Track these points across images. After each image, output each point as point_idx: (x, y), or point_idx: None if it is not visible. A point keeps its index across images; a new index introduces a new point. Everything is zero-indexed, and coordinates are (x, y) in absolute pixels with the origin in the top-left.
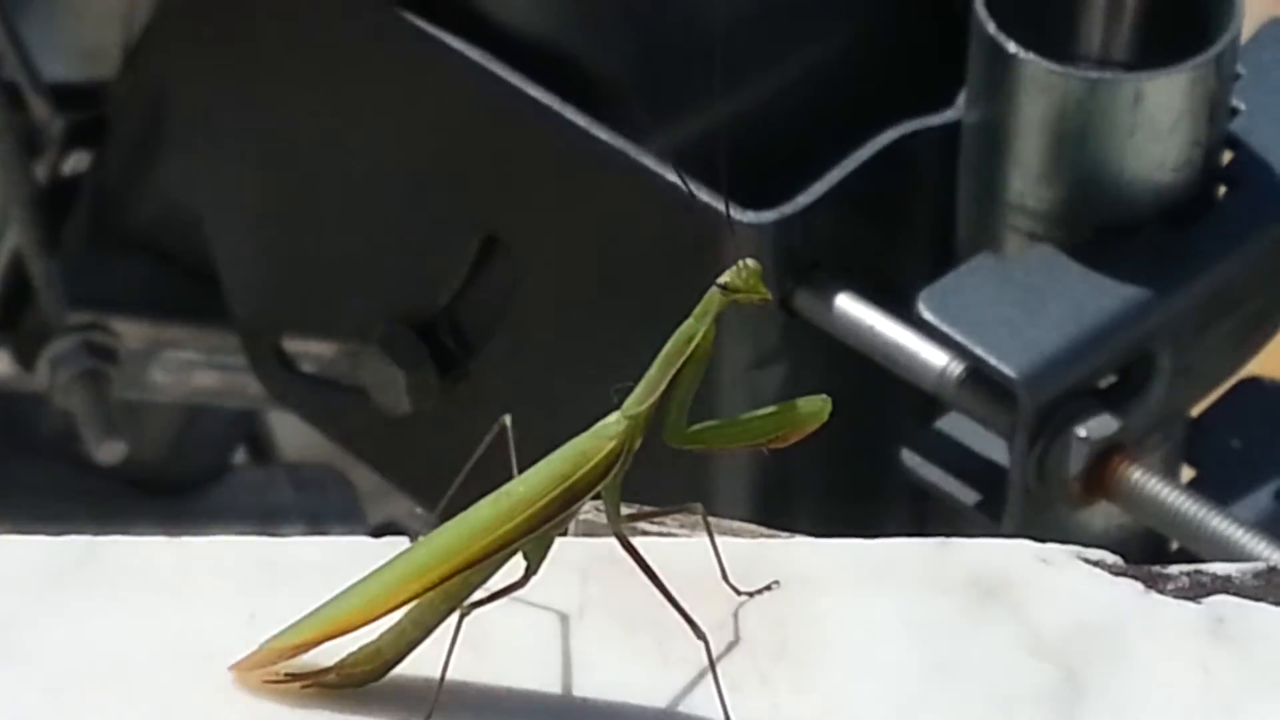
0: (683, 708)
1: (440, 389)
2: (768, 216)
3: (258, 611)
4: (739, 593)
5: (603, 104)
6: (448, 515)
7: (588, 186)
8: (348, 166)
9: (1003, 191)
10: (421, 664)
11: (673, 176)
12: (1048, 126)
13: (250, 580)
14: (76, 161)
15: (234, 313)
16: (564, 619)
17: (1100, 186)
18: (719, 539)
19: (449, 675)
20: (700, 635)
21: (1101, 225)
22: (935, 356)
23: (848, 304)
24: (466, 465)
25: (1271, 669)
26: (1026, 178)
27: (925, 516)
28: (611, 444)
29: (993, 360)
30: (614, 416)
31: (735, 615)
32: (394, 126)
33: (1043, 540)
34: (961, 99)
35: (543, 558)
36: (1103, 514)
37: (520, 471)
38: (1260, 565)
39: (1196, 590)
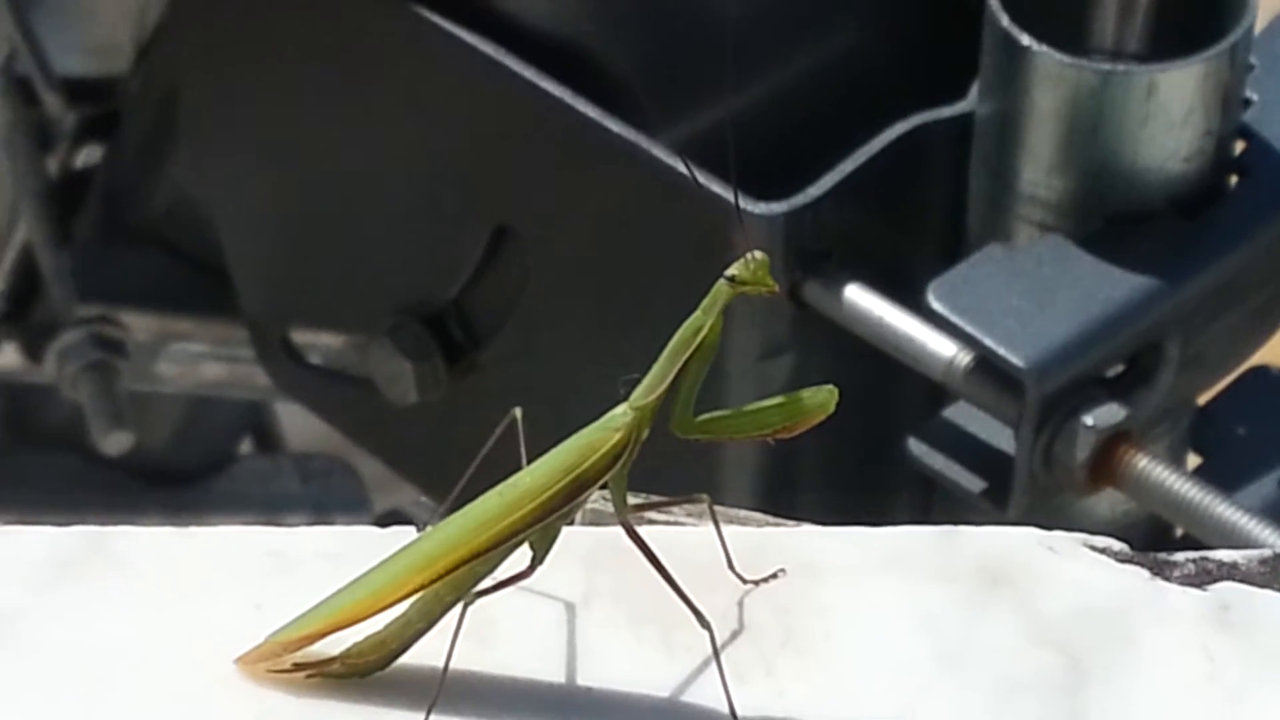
0: (688, 697)
1: (448, 381)
2: (778, 208)
3: (264, 602)
4: (745, 581)
5: (614, 96)
6: (456, 507)
7: (598, 179)
8: (357, 159)
9: (1014, 182)
10: (426, 654)
11: (683, 169)
12: (1060, 118)
13: (257, 570)
14: (88, 156)
15: (242, 305)
16: (569, 608)
17: (1112, 177)
18: (725, 528)
19: (454, 665)
20: (705, 624)
21: (1112, 215)
22: (944, 346)
23: (857, 295)
24: (477, 457)
25: (1276, 655)
26: (1038, 168)
27: (931, 505)
28: (619, 435)
29: (1001, 350)
30: (621, 408)
31: (741, 604)
32: (405, 119)
33: (1049, 528)
34: (974, 91)
35: (549, 548)
36: (1108, 501)
37: (528, 463)
38: (1266, 552)
39: (1202, 577)
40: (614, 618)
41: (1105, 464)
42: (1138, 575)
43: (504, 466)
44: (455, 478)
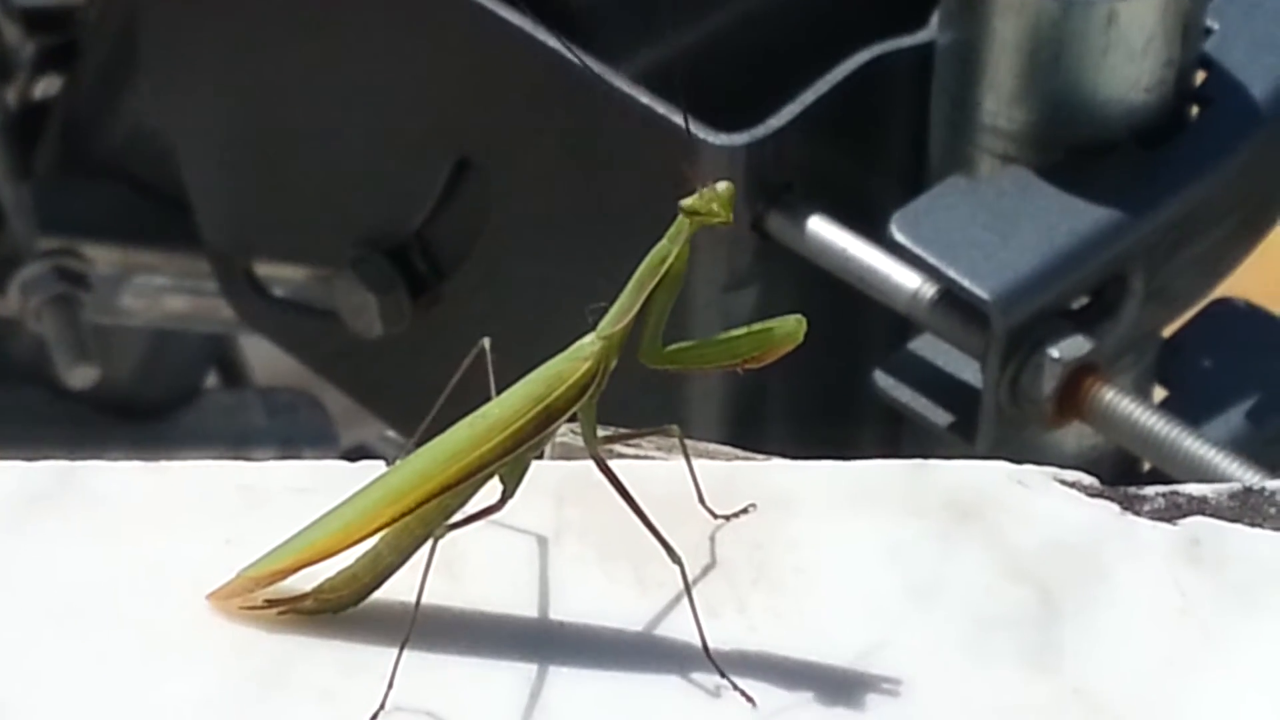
0: (659, 631)
1: (412, 313)
2: (739, 139)
3: (234, 537)
4: (715, 516)
5: (576, 27)
6: (424, 440)
7: (559, 110)
8: (319, 91)
9: (975, 113)
10: (399, 588)
11: (645, 99)
12: (1021, 47)
13: (227, 505)
14: (47, 86)
15: (205, 237)
16: (541, 543)
17: (1073, 107)
18: (695, 462)
19: (426, 600)
20: (676, 559)
21: (1074, 146)
22: (907, 279)
23: (820, 226)
24: (446, 389)
25: (1247, 589)
26: (999, 99)
27: (899, 438)
28: (587, 364)
29: (965, 282)
30: (589, 337)
31: (712, 539)
32: (366, 51)
33: (1018, 462)
34: (934, 21)
35: (519, 481)
36: (1075, 435)
37: (497, 394)
38: (1236, 486)
39: (1172, 511)
40: (585, 552)
41: (1072, 397)
42: (1108, 510)
43: (472, 398)
44: (422, 411)
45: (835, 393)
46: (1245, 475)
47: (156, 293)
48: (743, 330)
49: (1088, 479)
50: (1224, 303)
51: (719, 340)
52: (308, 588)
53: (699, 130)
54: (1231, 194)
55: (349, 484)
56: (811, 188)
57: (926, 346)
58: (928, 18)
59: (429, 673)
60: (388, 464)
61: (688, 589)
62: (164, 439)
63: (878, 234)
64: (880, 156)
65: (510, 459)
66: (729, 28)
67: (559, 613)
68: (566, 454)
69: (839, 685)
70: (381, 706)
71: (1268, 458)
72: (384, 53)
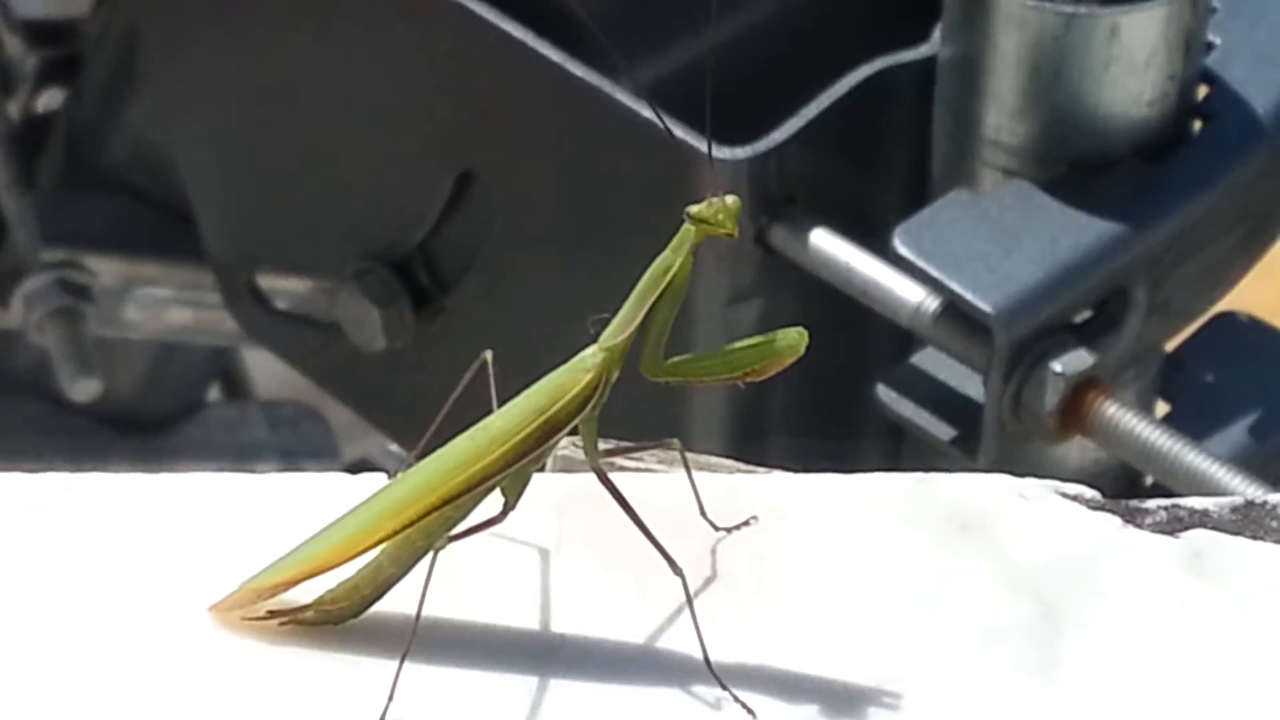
0: (661, 644)
1: (415, 326)
2: (742, 153)
3: (235, 549)
4: (717, 528)
5: (578, 40)
6: (426, 453)
7: (561, 122)
8: (322, 103)
9: (978, 127)
10: (400, 600)
11: (648, 113)
12: (1023, 61)
13: (228, 518)
14: (50, 99)
15: (208, 250)
16: (542, 555)
17: (1075, 121)
18: (695, 475)
19: (427, 612)
20: (677, 571)
21: (1076, 160)
22: (910, 292)
23: (823, 239)
24: (448, 401)
25: (1248, 603)
26: (1002, 113)
27: (900, 452)
28: (589, 376)
29: (968, 295)
30: (591, 349)
31: (713, 551)
32: (368, 63)
33: (1019, 475)
34: (937, 35)
35: (520, 493)
36: (1077, 449)
37: (498, 407)
38: (1237, 499)
39: (1174, 525)
40: (587, 564)
41: (1074, 411)
42: (1109, 523)
43: (474, 411)
44: (424, 424)
45: (837, 406)
46: (1247, 489)
47: (159, 305)
48: (745, 342)
49: (1089, 492)
50: (1226, 317)
51: (721, 352)
52: (308, 599)
53: (699, 143)
54: (1234, 208)
55: (350, 497)
56: (814, 201)
57: (929, 360)
58: (930, 32)
59: (429, 684)
60: (389, 477)
61: (689, 601)
62: (166, 452)
63: (881, 247)
64: (883, 170)
65: (512, 471)
66: (732, 42)
67: (560, 624)
68: (567, 467)
69: (840, 698)
70: (382, 718)
71: (1270, 472)
72: (387, 65)
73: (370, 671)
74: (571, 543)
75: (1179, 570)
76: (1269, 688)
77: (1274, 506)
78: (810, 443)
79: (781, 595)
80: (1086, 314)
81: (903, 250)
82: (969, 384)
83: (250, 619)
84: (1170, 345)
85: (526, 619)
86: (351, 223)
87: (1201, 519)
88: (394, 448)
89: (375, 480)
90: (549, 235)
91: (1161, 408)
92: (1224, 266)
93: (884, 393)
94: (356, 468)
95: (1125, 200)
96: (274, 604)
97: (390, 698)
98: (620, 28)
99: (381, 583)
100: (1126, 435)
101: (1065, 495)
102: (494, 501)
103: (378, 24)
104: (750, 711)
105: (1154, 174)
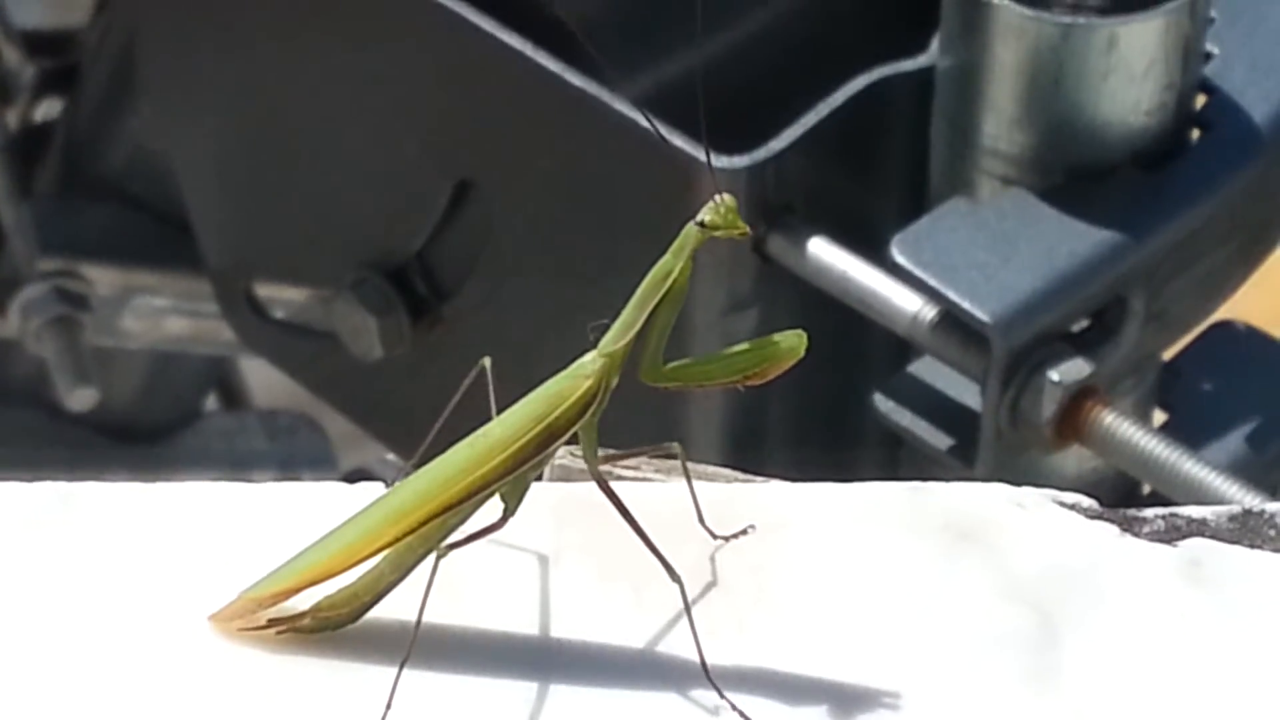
0: (659, 651)
1: (413, 335)
2: (740, 161)
3: (233, 558)
4: (715, 537)
5: (575, 49)
6: (425, 461)
7: (558, 131)
8: (319, 112)
9: (976, 136)
10: (398, 607)
11: (644, 121)
12: (1021, 71)
13: (226, 527)
14: (48, 108)
15: (205, 259)
16: (541, 562)
17: (1073, 130)
18: (694, 484)
19: (425, 618)
20: (676, 579)
21: (1074, 169)
22: (908, 301)
23: (821, 248)
24: (447, 408)
25: (1246, 611)
26: (1000, 122)
27: (898, 461)
28: (588, 382)
29: (966, 304)
30: (590, 355)
31: (712, 559)
32: (366, 72)
33: (1017, 484)
34: (935, 44)
35: (520, 499)
36: (1075, 458)
37: (497, 415)
38: (1235, 508)
39: (1172, 533)
40: (585, 572)
41: (1072, 420)
42: (1107, 531)
43: (471, 420)
44: (422, 434)
45: (835, 415)
46: (1245, 498)
47: (157, 314)
48: (744, 346)
49: (1087, 501)
50: (1224, 326)
51: (721, 356)
52: (306, 606)
53: (697, 151)
54: (1232, 217)
55: (348, 506)
56: (812, 210)
57: (926, 369)
58: (928, 42)
59: (428, 691)
60: (386, 487)
61: (687, 609)
62: (163, 461)
63: (878, 256)
64: (881, 179)
65: (511, 478)
66: (731, 51)
67: (559, 631)
68: (565, 476)
69: (839, 706)
70: None
71: (1268, 481)
72: (385, 74)
73: (369, 678)
74: (570, 550)
75: (1177, 579)
76: (1267, 696)
77: (1272, 515)
78: (808, 452)
79: (780, 604)
80: (1084, 323)
81: (900, 259)
82: (967, 393)
83: (249, 629)
84: (1168, 354)
85: (525, 626)
86: (349, 232)
87: (1199, 528)
88: (391, 457)
89: (372, 490)
90: (547, 244)
91: (1159, 417)
92: (1221, 275)
93: (881, 402)
94: (354, 477)
95: (1123, 209)
96: (273, 613)
97: (389, 705)
98: (621, 36)
99: (380, 589)
100: (1124, 444)
101: (1063, 504)
102: (493, 508)
103: (376, 33)
104: (748, 719)
105: (1152, 183)
